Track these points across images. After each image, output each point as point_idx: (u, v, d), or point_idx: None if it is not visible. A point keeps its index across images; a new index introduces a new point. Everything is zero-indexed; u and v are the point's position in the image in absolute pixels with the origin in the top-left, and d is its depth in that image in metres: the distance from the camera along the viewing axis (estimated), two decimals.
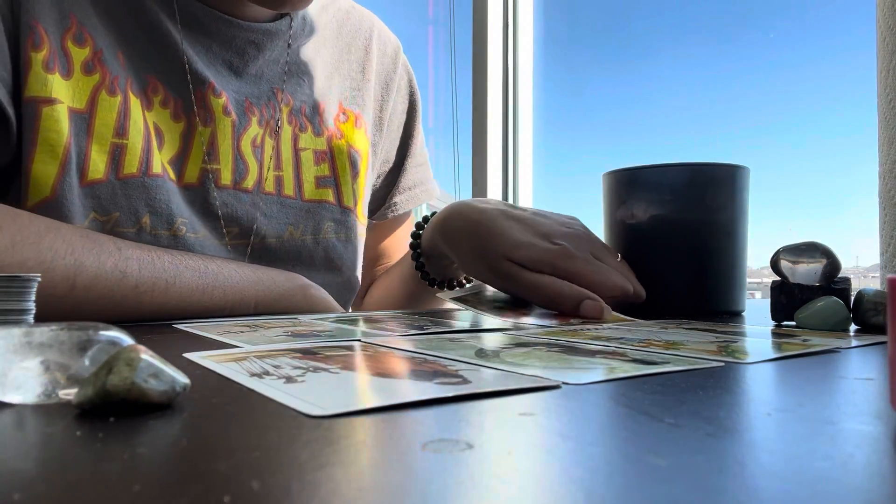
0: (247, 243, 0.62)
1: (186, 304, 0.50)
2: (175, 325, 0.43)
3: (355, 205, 0.70)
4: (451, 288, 0.66)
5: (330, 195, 0.68)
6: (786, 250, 0.44)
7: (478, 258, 0.54)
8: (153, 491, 0.11)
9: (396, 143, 0.79)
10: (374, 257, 0.82)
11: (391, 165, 0.79)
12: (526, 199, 1.70)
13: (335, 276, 0.68)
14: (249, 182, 0.62)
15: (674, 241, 0.54)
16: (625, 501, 0.11)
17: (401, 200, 0.80)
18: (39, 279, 0.30)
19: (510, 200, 1.67)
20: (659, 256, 0.54)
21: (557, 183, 1.80)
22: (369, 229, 0.81)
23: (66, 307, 0.44)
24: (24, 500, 0.11)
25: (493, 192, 1.68)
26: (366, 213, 0.73)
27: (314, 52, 0.68)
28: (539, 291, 0.50)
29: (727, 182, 0.54)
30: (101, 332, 0.20)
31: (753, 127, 1.52)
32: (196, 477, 0.12)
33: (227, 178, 0.60)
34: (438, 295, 0.60)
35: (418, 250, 0.64)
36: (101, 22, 0.54)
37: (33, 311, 0.30)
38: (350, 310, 0.74)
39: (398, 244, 0.82)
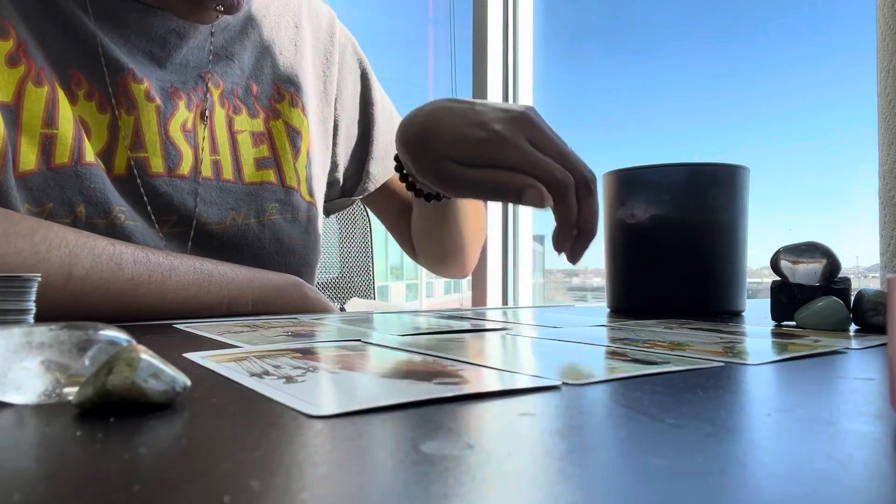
0: (186, 231, 0.59)
1: (183, 299, 0.50)
2: (175, 325, 0.43)
3: (299, 184, 0.68)
4: (438, 200, 0.63)
5: (272, 176, 0.65)
6: (786, 250, 0.44)
7: (427, 163, 0.52)
8: (153, 491, 0.11)
9: (356, 114, 0.77)
10: (400, 213, 0.81)
11: (357, 139, 0.77)
12: None
13: (289, 256, 0.66)
14: (185, 168, 0.59)
15: (674, 242, 0.54)
16: (625, 501, 0.11)
17: (376, 171, 0.77)
18: (39, 279, 0.30)
19: None
20: (659, 256, 0.54)
21: None
22: (380, 196, 0.80)
23: (63, 299, 0.44)
24: (24, 500, 0.11)
25: None
26: (311, 193, 0.70)
27: (242, 34, 0.66)
28: (480, 186, 0.49)
29: (727, 182, 0.54)
30: (101, 332, 0.20)
31: (754, 126, 1.52)
32: (196, 477, 0.12)
33: (158, 165, 0.58)
34: None
35: (403, 170, 0.61)
36: (20, 17, 0.53)
37: (33, 311, 0.30)
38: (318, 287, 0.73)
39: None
